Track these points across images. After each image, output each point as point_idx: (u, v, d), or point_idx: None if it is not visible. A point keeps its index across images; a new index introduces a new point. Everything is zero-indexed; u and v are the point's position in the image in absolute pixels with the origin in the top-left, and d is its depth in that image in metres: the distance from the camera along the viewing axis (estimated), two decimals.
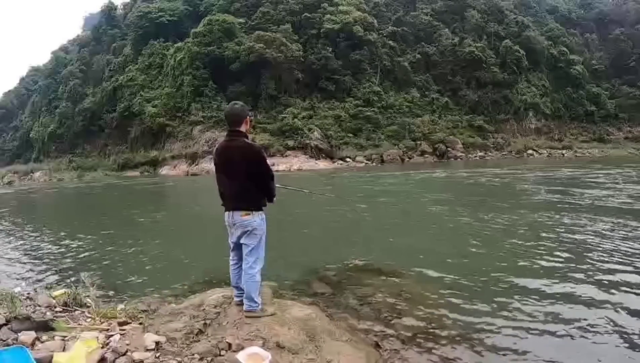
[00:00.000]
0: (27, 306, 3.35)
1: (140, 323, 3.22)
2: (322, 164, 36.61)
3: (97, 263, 6.56)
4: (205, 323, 3.16)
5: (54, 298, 3.80)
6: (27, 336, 2.74)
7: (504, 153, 45.13)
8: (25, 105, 71.40)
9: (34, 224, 11.36)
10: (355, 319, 3.89)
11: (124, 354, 2.62)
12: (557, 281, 4.72)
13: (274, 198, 3.36)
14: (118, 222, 11.30)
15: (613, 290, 4.34)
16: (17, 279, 5.72)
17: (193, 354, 2.70)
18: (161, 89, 47.93)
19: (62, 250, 7.68)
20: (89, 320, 3.30)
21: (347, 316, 3.97)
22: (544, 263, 5.42)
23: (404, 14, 55.18)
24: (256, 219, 3.21)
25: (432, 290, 4.58)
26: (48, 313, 3.30)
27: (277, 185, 3.40)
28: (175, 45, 48.19)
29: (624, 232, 6.83)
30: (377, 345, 3.37)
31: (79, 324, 3.16)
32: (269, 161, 3.41)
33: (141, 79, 50.47)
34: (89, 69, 60.16)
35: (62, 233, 9.38)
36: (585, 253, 5.75)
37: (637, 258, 5.37)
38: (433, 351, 3.30)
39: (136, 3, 60.29)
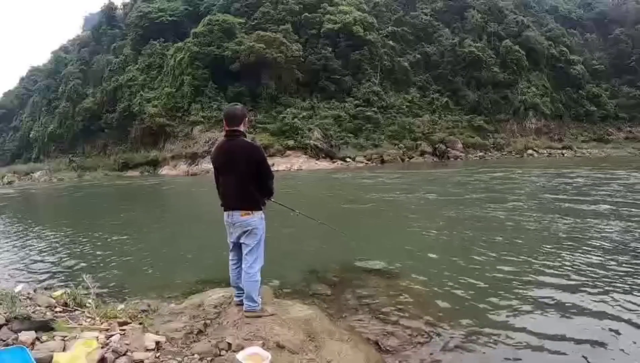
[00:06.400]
0: (27, 306, 3.34)
1: (140, 323, 3.22)
2: (322, 164, 36.58)
3: (97, 263, 6.56)
4: (205, 323, 3.16)
5: (54, 298, 3.80)
6: (27, 336, 2.73)
7: (504, 153, 45.13)
8: (25, 105, 71.33)
9: (34, 224, 11.36)
10: (355, 319, 3.90)
11: (124, 354, 2.62)
12: (558, 280, 4.72)
13: (272, 197, 3.38)
14: (118, 222, 11.29)
15: (618, 294, 4.33)
16: (17, 279, 5.72)
17: (193, 354, 2.71)
18: (161, 89, 47.87)
19: (62, 250, 7.68)
20: (89, 320, 3.30)
21: (347, 316, 3.97)
22: (545, 263, 5.42)
23: (404, 14, 55.15)
24: (256, 219, 3.21)
25: (432, 290, 4.59)
26: (48, 313, 3.29)
27: (272, 200, 3.41)
28: (175, 45, 48.13)
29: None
30: (377, 345, 3.37)
31: (79, 324, 3.16)
32: (269, 161, 3.42)
33: (141, 79, 50.44)
34: (89, 69, 60.10)
35: (62, 234, 9.38)
36: (591, 257, 5.75)
37: None
38: (433, 351, 3.31)
39: (136, 3, 60.16)
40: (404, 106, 46.85)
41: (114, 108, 50.99)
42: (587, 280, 4.68)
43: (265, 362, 2.51)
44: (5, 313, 2.97)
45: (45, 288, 4.91)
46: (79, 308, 3.57)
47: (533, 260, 5.55)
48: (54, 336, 2.84)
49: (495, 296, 4.37)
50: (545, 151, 46.24)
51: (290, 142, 38.45)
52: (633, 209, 8.90)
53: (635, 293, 4.22)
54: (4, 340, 2.68)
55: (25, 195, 24.41)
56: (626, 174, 17.48)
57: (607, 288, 4.41)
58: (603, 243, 6.26)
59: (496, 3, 57.30)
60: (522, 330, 3.59)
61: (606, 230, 7.13)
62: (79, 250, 7.61)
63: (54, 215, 15.34)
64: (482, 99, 49.16)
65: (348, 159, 38.62)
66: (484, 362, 3.16)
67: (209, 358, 2.67)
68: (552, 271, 5.07)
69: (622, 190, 12.36)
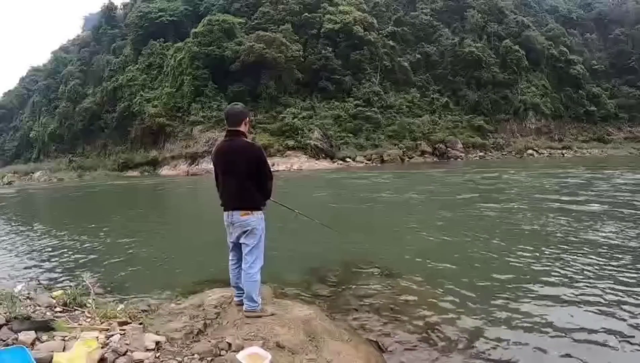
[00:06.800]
0: (27, 306, 3.34)
1: (140, 323, 3.22)
2: (322, 164, 36.61)
3: (97, 263, 6.56)
4: (205, 323, 3.16)
5: (54, 298, 3.80)
6: (27, 336, 2.73)
7: (504, 153, 45.19)
8: (25, 105, 71.44)
9: (34, 224, 11.35)
10: (355, 319, 3.89)
11: (124, 354, 2.61)
12: (557, 283, 4.72)
13: (268, 200, 3.37)
14: (117, 223, 11.30)
15: (621, 296, 4.33)
16: (17, 279, 5.71)
17: (193, 354, 2.70)
18: (161, 88, 47.94)
19: (62, 250, 7.67)
20: (89, 320, 3.30)
21: (347, 316, 3.96)
22: (543, 264, 5.42)
23: (404, 14, 55.24)
24: (255, 219, 3.21)
25: (433, 291, 4.58)
26: (48, 313, 3.29)
27: (271, 200, 3.41)
28: (175, 45, 48.19)
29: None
30: (377, 346, 3.37)
31: (79, 324, 3.16)
32: (269, 161, 3.42)
33: (141, 79, 50.50)
34: (89, 69, 60.19)
35: (62, 233, 9.37)
36: (589, 258, 5.75)
37: None
38: (433, 351, 3.30)
39: (136, 3, 60.23)
40: (404, 106, 46.91)
41: (114, 108, 51.05)
42: (586, 283, 4.68)
43: (265, 362, 2.51)
44: (5, 313, 2.97)
45: (46, 288, 4.91)
46: (79, 308, 3.57)
47: (531, 260, 5.54)
48: (54, 336, 2.84)
49: (495, 296, 4.37)
50: (545, 151, 46.32)
51: (290, 142, 38.49)
52: (624, 210, 8.90)
53: (633, 298, 4.22)
54: (4, 340, 2.68)
55: (25, 195, 24.41)
56: (621, 173, 17.53)
57: (605, 290, 4.41)
58: (600, 244, 6.26)
59: (496, 3, 57.38)
60: (522, 330, 3.58)
61: (601, 231, 7.12)
62: (78, 250, 7.60)
63: (54, 215, 15.34)
64: (482, 99, 49.22)
65: (348, 159, 38.64)
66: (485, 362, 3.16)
67: (209, 358, 2.66)
68: (550, 272, 5.07)
69: (612, 190, 12.40)
